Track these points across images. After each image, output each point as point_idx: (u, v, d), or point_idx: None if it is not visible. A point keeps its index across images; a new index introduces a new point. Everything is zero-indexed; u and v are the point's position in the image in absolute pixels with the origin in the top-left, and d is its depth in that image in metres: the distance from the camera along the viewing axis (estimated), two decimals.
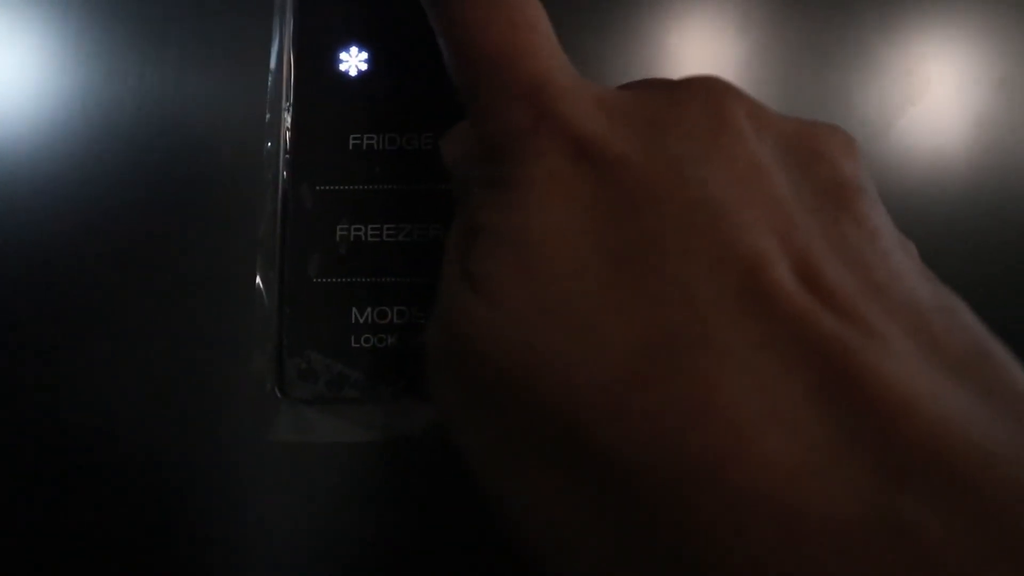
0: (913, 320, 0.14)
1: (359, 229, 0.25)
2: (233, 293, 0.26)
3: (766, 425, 0.13)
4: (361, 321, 0.25)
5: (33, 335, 0.26)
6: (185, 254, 0.26)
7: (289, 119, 0.26)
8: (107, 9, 0.28)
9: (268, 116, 0.26)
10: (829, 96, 0.28)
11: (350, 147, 0.26)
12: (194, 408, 0.26)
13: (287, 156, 0.26)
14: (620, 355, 0.14)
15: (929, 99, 0.29)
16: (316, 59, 0.26)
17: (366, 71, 0.26)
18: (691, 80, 0.18)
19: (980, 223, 0.28)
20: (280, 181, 0.26)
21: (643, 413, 0.14)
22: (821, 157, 0.17)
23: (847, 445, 0.13)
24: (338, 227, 0.26)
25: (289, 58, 0.26)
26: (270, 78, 0.26)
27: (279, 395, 0.25)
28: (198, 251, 0.26)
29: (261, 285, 0.26)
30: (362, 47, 0.26)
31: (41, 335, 0.26)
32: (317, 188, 0.26)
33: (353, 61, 0.26)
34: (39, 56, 0.27)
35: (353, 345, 0.25)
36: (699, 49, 0.28)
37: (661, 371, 0.14)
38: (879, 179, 0.28)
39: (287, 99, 0.26)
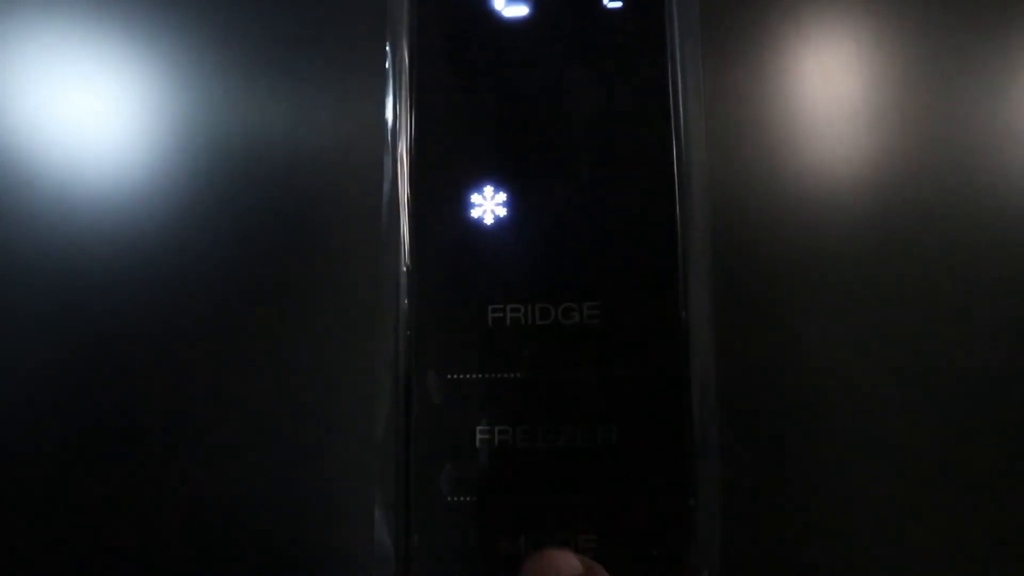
0: None
1: (505, 432, 0.19)
2: (348, 513, 0.20)
3: None
4: (512, 552, 0.19)
5: None
6: (290, 468, 0.21)
7: (407, 287, 0.20)
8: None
9: (383, 283, 0.20)
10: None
11: (489, 322, 0.20)
12: None
13: (408, 335, 0.20)
14: None
15: None
16: (440, 202, 0.20)
17: (504, 218, 0.20)
18: None
19: None
20: (400, 368, 0.20)
21: None
22: None
23: None
24: (478, 429, 0.19)
25: (406, 199, 0.20)
26: (383, 232, 0.21)
27: None
28: (305, 462, 0.21)
29: (381, 505, 0.20)
30: (499, 186, 0.20)
31: None
32: (448, 376, 0.20)
33: (488, 205, 0.20)
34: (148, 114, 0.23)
35: None
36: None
37: None
38: None
39: (404, 260, 0.20)
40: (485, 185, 0.20)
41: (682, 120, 0.20)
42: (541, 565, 0.16)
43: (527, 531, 0.19)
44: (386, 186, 0.21)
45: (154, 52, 0.24)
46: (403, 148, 0.21)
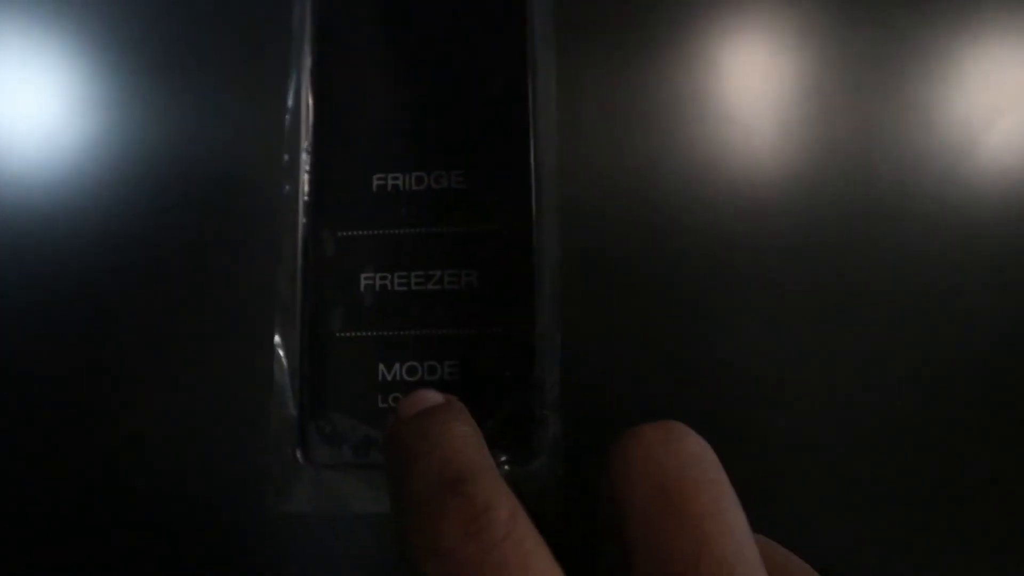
0: None
1: (385, 277, 0.23)
2: (250, 350, 0.24)
3: None
4: (389, 378, 0.23)
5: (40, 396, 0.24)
6: (199, 308, 0.24)
7: (308, 160, 0.24)
8: (125, 46, 0.26)
9: (286, 157, 0.24)
10: (908, 112, 0.25)
11: (374, 188, 0.24)
12: (210, 476, 0.24)
13: (306, 199, 0.24)
14: None
15: (1021, 109, 0.25)
16: (336, 98, 0.24)
17: (388, 107, 0.24)
18: None
19: None
20: (299, 227, 0.24)
21: None
22: None
23: None
24: (362, 276, 0.23)
25: (307, 94, 0.24)
26: (287, 116, 0.24)
27: (301, 461, 0.23)
28: (212, 305, 0.24)
29: (280, 341, 0.23)
30: (385, 87, 0.24)
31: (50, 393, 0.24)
32: (339, 234, 0.24)
33: (375, 98, 0.24)
34: (60, 98, 0.26)
35: (380, 405, 0.23)
36: (761, 64, 0.26)
37: None
38: (967, 198, 0.25)
39: (306, 138, 0.24)
40: (373, 86, 0.24)
41: (535, 47, 0.24)
42: (408, 400, 0.20)
43: (402, 360, 0.23)
44: (291, 94, 0.25)
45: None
46: (305, 60, 0.25)
